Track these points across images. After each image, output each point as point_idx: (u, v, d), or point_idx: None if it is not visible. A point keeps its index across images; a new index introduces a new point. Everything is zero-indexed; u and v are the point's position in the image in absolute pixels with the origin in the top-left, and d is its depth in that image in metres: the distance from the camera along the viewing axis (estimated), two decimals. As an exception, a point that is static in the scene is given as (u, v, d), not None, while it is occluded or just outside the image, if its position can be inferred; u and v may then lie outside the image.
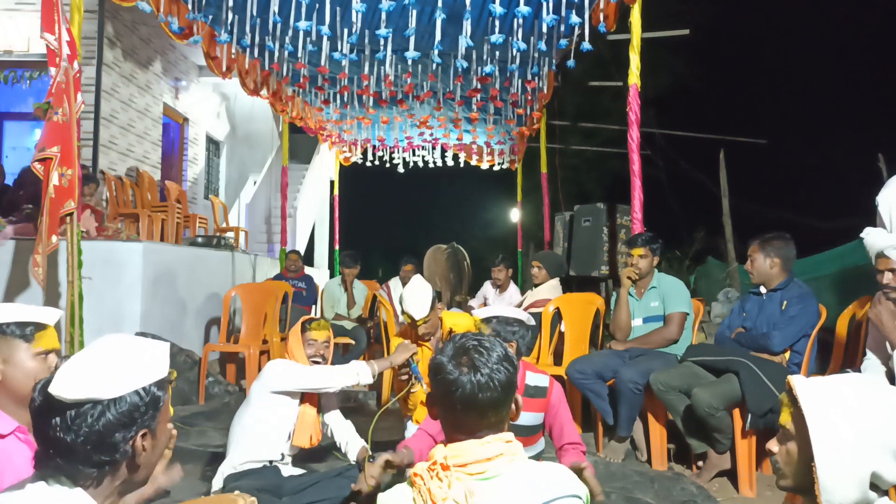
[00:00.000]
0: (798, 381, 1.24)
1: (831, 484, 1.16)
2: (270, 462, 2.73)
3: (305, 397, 2.80)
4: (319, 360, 2.82)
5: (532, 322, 2.79)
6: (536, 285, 5.13)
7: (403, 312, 2.88)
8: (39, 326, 1.69)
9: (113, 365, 1.16)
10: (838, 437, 1.16)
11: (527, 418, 2.67)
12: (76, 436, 1.11)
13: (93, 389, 1.12)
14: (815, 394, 1.21)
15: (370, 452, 2.79)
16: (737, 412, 3.10)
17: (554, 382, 2.70)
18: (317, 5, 4.77)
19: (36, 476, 1.15)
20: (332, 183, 11.36)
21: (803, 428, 1.19)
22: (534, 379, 2.67)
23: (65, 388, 1.11)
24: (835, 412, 1.17)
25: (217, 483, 2.68)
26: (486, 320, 2.67)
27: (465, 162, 10.21)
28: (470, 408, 1.25)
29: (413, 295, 2.86)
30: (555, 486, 1.22)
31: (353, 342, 5.75)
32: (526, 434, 2.65)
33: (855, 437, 1.15)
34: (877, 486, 1.17)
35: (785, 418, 1.27)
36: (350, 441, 2.92)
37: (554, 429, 2.67)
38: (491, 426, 1.27)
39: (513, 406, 1.33)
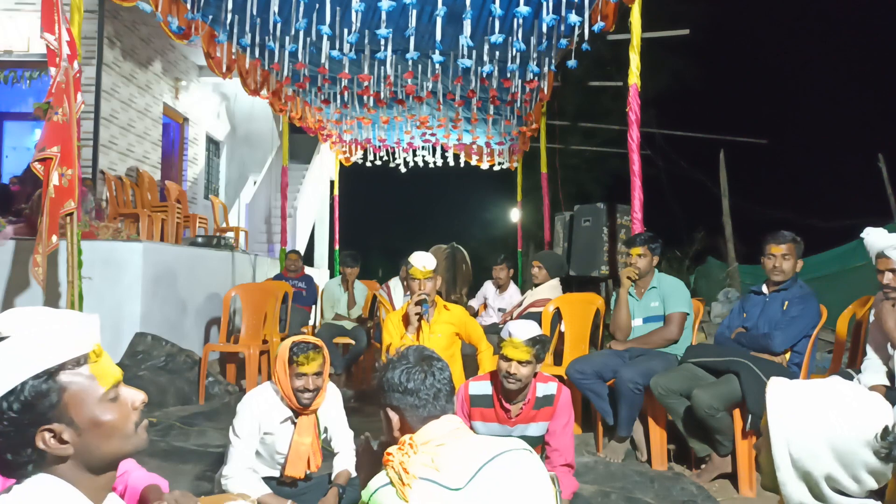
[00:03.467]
0: (771, 383, 1.27)
1: (787, 486, 1.19)
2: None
3: (299, 427, 2.59)
4: (308, 394, 2.53)
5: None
6: (536, 285, 5.13)
7: (411, 269, 3.38)
8: None
9: None
10: (792, 440, 1.18)
11: (535, 429, 2.66)
12: None
13: None
14: (779, 395, 1.23)
15: (343, 489, 2.62)
16: (737, 413, 3.09)
17: (562, 389, 2.69)
18: (317, 5, 4.77)
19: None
20: (332, 183, 11.36)
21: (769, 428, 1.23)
22: (543, 389, 2.65)
23: None
24: (792, 415, 1.19)
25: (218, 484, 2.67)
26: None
27: (465, 162, 10.21)
28: (432, 390, 1.55)
29: (421, 254, 3.43)
30: (507, 442, 1.47)
31: (353, 342, 5.75)
32: (531, 445, 2.64)
33: (806, 440, 1.16)
34: (842, 492, 1.17)
35: (763, 420, 1.30)
36: (341, 465, 2.72)
37: (548, 431, 2.67)
38: (448, 409, 1.57)
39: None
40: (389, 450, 1.44)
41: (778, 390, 1.24)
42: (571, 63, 5.10)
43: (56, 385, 1.05)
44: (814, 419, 1.16)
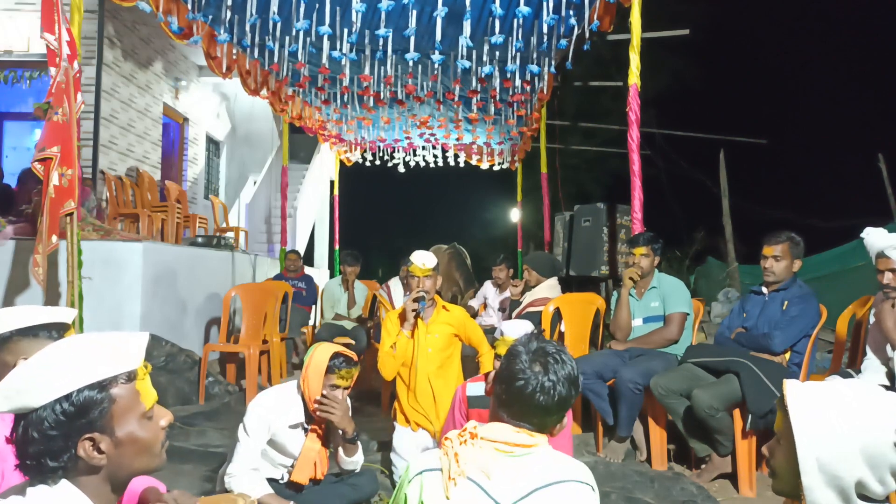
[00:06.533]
0: (790, 386, 1.23)
1: (813, 491, 1.16)
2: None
3: (311, 434, 2.59)
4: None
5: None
6: (531, 288, 5.12)
7: (411, 266, 3.28)
8: (64, 327, 1.67)
9: (37, 372, 1.08)
10: (821, 444, 1.15)
11: None
12: (21, 442, 1.09)
13: (14, 399, 1.07)
14: (803, 398, 1.20)
15: (355, 433, 2.63)
16: (737, 413, 3.09)
17: None
18: (317, 5, 4.77)
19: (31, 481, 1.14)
20: (332, 183, 11.36)
21: (791, 432, 1.19)
22: None
23: None
24: (820, 418, 1.16)
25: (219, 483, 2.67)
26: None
27: (465, 162, 10.21)
28: (523, 401, 1.38)
29: (422, 253, 3.34)
30: (566, 471, 1.36)
31: (353, 342, 5.75)
32: None
33: (838, 444, 1.14)
34: (867, 497, 1.16)
35: (777, 422, 1.27)
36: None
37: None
38: (532, 425, 1.40)
39: (559, 423, 1.46)
40: (448, 434, 1.39)
41: (800, 393, 1.21)
42: (572, 63, 5.10)
43: (107, 396, 1.12)
44: (846, 423, 1.14)
